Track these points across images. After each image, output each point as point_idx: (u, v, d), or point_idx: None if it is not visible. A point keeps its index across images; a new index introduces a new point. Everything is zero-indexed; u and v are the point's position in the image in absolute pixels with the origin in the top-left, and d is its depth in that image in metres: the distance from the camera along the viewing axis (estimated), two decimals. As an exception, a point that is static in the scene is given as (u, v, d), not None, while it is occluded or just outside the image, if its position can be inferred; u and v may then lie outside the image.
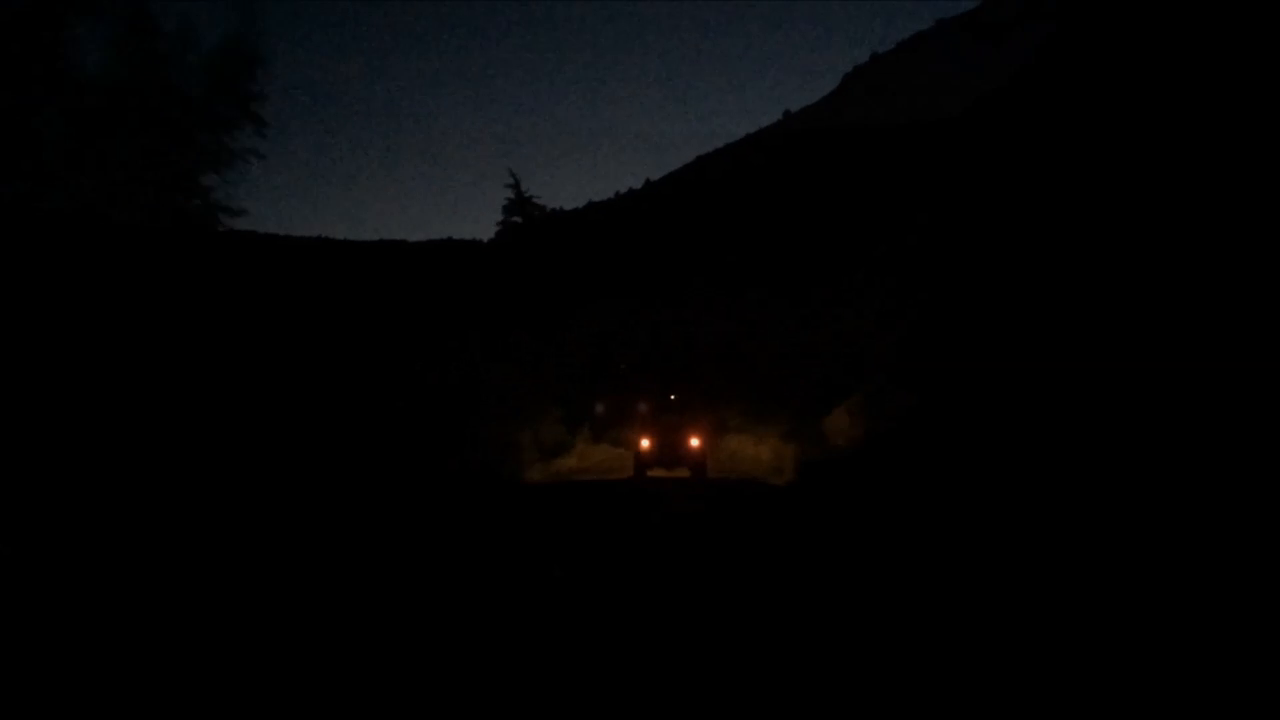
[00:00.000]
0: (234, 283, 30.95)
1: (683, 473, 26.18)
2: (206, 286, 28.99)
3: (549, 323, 30.94)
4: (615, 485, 23.52)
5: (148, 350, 25.92)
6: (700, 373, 29.15)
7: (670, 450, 25.91)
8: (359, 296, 31.83)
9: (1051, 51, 22.70)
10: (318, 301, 30.59)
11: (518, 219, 49.96)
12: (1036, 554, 9.70)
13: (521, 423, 29.00)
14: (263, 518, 15.28)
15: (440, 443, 25.84)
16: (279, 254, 35.51)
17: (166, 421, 23.05)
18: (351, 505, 16.86)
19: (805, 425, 25.24)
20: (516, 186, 51.46)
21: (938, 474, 16.11)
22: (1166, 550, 8.84)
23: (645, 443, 26.08)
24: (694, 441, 25.91)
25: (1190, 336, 12.10)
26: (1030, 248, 18.74)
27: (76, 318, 26.00)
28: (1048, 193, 18.73)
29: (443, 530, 13.72)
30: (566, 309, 31.37)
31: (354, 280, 32.94)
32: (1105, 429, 12.59)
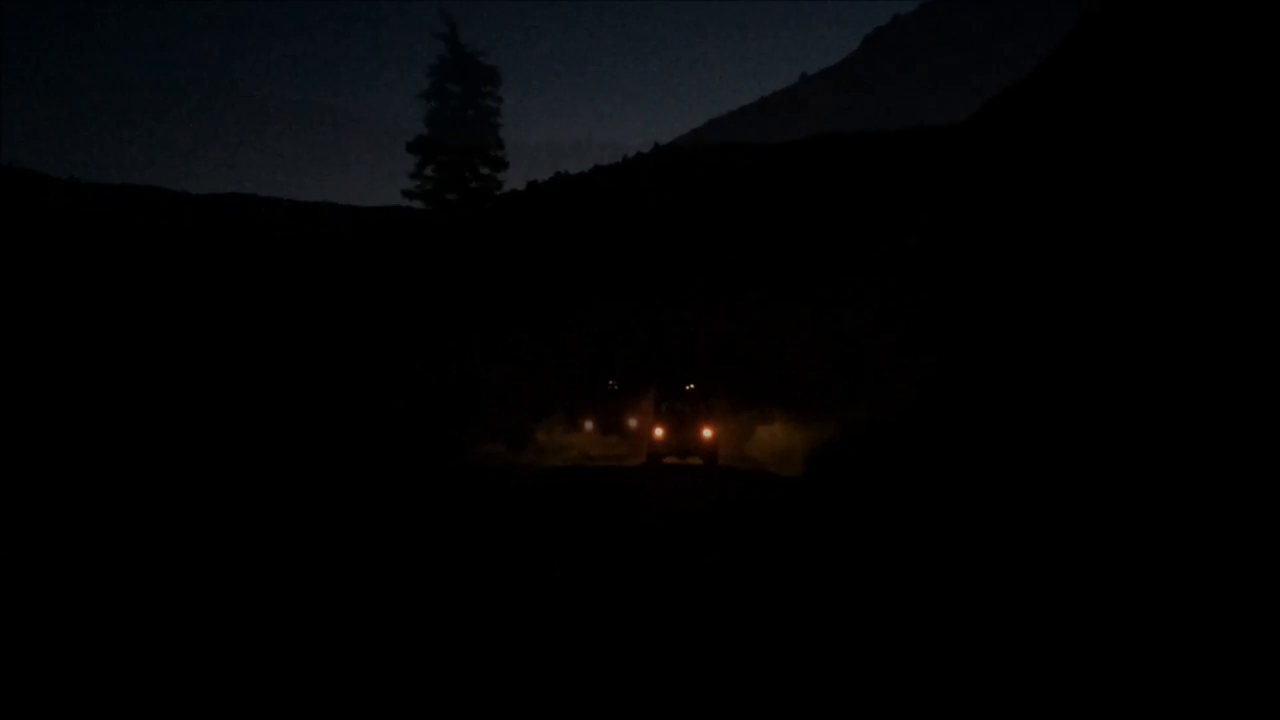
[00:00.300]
0: (228, 265, 30.81)
1: (694, 461, 26.40)
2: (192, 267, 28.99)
3: (549, 323, 31.00)
4: (619, 477, 23.57)
5: (147, 343, 26.01)
6: (702, 372, 29.32)
7: (683, 439, 26.38)
8: (365, 276, 31.73)
9: (1055, 60, 22.70)
10: (321, 281, 30.48)
11: (456, 88, 35.87)
12: (1031, 545, 9.74)
13: (522, 422, 29.05)
14: (263, 518, 15.30)
15: (440, 442, 25.95)
16: (274, 221, 35.22)
17: (165, 420, 23.13)
18: (354, 505, 16.91)
19: (808, 421, 25.45)
20: (452, 36, 35.45)
21: (936, 470, 16.18)
22: (1159, 538, 8.88)
23: (659, 432, 26.56)
24: (706, 432, 26.37)
25: (1183, 336, 12.16)
26: (1029, 250, 18.81)
27: (67, 307, 26.11)
28: (1047, 196, 18.79)
29: (444, 530, 13.77)
30: (566, 309, 31.41)
31: (359, 257, 32.80)
32: (1099, 426, 12.65)
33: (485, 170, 37.57)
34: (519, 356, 30.02)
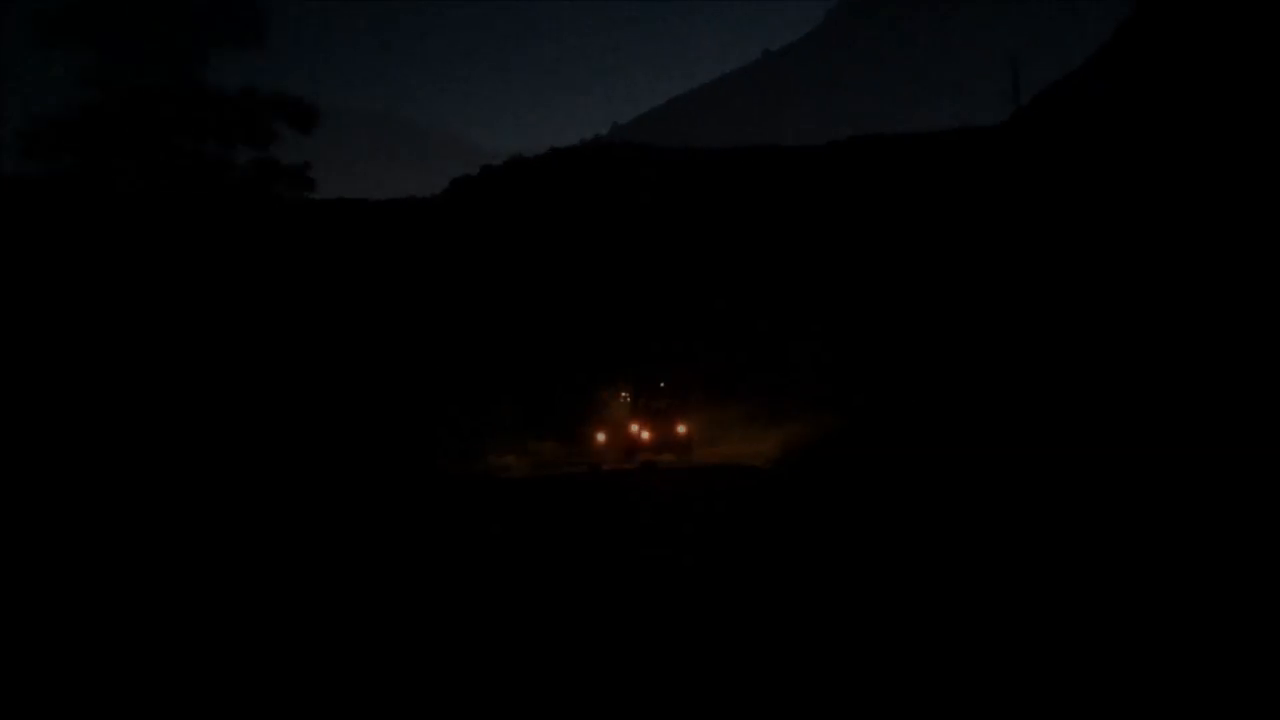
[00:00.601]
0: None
1: (668, 457, 26.98)
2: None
3: (555, 330, 31.33)
4: (605, 478, 23.66)
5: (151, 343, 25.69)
6: (684, 375, 29.92)
7: (658, 436, 27.04)
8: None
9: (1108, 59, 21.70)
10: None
11: None
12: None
13: (533, 433, 29.26)
14: (276, 522, 15.31)
15: (451, 451, 26.51)
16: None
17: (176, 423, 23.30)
18: (369, 508, 17.21)
19: (802, 424, 26.41)
20: None
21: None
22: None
23: (635, 429, 27.25)
24: (680, 428, 27.08)
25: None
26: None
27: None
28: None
29: (445, 532, 13.88)
30: (571, 315, 31.77)
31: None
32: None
33: None
34: (528, 364, 30.29)
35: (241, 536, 12.95)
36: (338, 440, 24.39)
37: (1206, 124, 15.48)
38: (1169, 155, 16.18)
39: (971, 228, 23.46)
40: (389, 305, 31.51)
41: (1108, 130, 18.67)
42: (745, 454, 27.72)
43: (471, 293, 33.23)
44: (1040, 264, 20.53)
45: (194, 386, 24.25)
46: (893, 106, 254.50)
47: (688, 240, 33.19)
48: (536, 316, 32.28)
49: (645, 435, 27.14)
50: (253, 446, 22.59)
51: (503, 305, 32.34)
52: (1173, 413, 13.14)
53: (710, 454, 27.77)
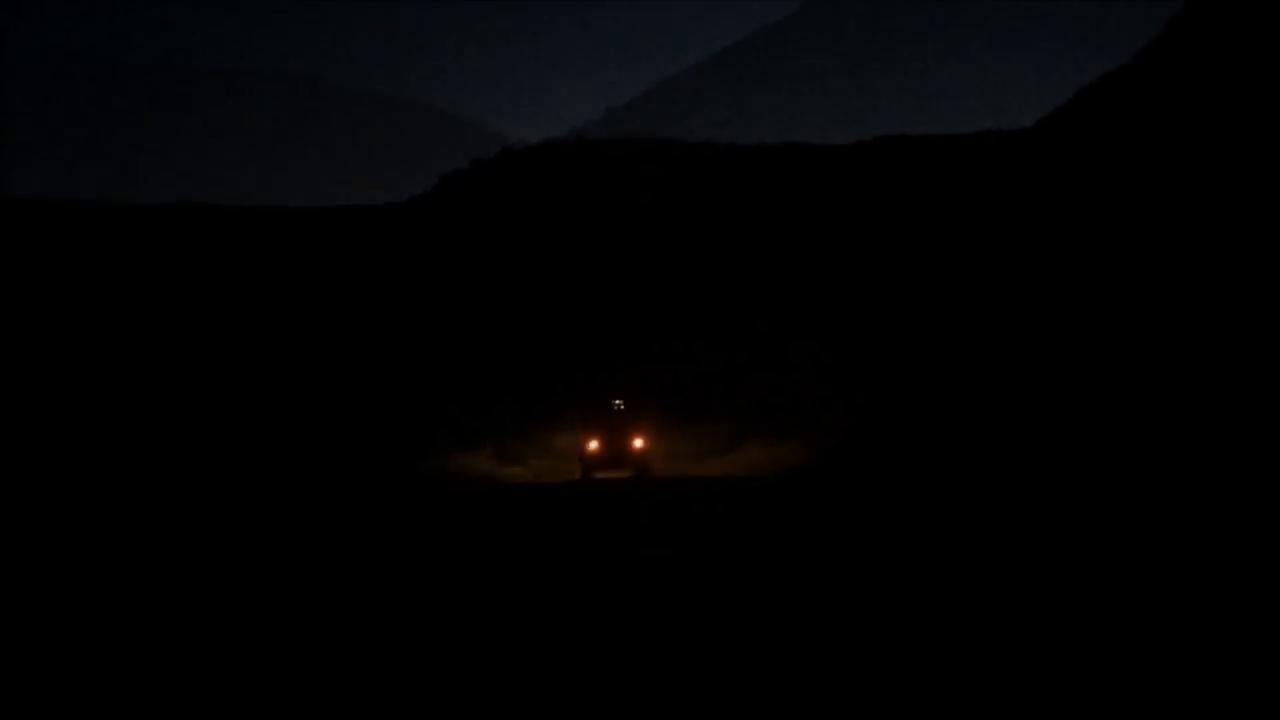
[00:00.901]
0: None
1: (624, 472, 26.70)
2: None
3: (552, 341, 31.51)
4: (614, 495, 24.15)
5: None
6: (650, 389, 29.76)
7: (615, 451, 26.74)
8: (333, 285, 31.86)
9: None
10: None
11: None
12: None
13: (529, 443, 29.43)
14: (298, 530, 15.83)
15: (427, 448, 26.69)
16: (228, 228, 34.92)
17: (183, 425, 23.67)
18: (383, 514, 17.60)
19: (780, 442, 26.62)
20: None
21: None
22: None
23: (593, 445, 26.89)
24: (638, 443, 26.88)
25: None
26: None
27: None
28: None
29: (452, 537, 14.33)
30: (568, 324, 31.97)
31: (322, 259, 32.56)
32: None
33: None
34: (523, 375, 30.56)
35: (234, 540, 13.25)
36: (332, 444, 24.70)
37: (1229, 130, 15.13)
38: (1193, 160, 15.77)
39: (975, 228, 23.59)
40: (383, 308, 31.65)
41: (1124, 136, 18.48)
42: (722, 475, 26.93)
43: (464, 293, 33.30)
44: (1047, 265, 20.64)
45: (197, 392, 24.77)
46: (892, 80, 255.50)
47: (687, 239, 33.27)
48: (534, 317, 32.35)
49: (602, 451, 26.74)
50: (250, 451, 22.92)
51: (499, 306, 32.46)
52: (1180, 410, 13.04)
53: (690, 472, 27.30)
